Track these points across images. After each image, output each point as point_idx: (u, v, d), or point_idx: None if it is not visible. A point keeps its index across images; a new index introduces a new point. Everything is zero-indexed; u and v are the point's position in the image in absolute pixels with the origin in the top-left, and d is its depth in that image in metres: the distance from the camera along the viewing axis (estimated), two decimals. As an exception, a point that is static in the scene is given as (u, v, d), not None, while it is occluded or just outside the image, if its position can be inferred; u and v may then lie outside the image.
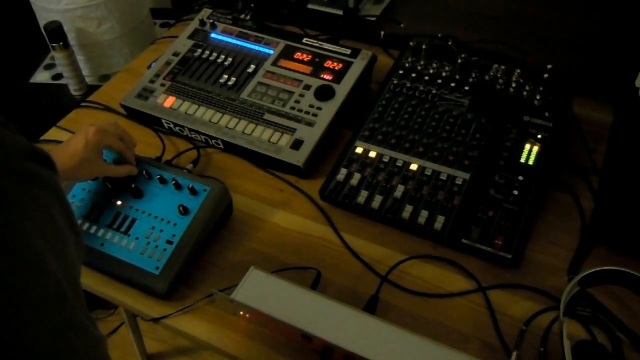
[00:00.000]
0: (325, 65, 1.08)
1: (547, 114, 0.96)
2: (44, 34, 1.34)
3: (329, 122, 1.00)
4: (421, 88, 1.03)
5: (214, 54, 1.13)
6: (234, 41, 1.16)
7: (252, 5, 1.25)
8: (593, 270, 0.76)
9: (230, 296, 0.76)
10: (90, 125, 0.85)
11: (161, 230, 0.85)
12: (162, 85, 1.10)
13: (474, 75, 1.04)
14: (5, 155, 0.39)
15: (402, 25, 1.22)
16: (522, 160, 0.91)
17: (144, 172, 0.90)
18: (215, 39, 1.17)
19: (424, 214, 0.87)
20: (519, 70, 1.03)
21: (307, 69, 1.08)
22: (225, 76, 1.09)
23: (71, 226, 0.44)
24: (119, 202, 0.88)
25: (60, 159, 0.81)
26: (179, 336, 0.82)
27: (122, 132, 0.90)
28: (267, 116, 1.02)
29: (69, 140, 0.84)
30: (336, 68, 1.07)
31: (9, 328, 0.36)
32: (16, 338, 0.36)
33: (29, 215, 0.38)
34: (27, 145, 0.41)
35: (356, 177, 0.92)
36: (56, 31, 1.32)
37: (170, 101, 1.07)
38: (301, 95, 1.04)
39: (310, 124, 1.00)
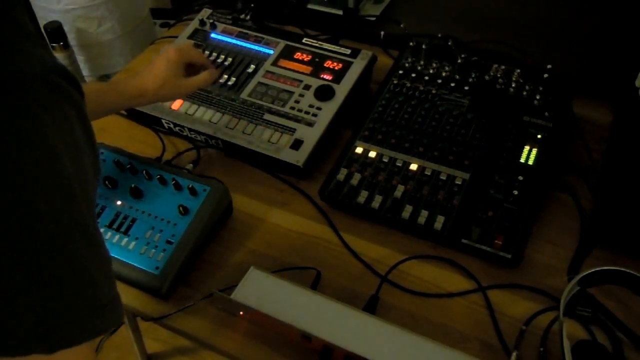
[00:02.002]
0: (325, 65, 1.08)
1: (547, 114, 0.96)
2: (44, 34, 1.34)
3: (329, 122, 1.00)
4: (421, 88, 1.03)
5: (214, 54, 1.13)
6: (234, 41, 1.16)
7: (252, 5, 1.25)
8: (593, 270, 0.76)
9: (230, 296, 0.76)
10: (170, 46, 0.92)
11: (161, 230, 0.85)
12: (162, 85, 1.10)
13: (474, 75, 1.04)
14: (43, 68, 0.43)
15: (402, 25, 1.22)
16: (522, 160, 0.91)
17: (144, 172, 0.90)
18: (215, 39, 1.17)
19: (424, 214, 0.87)
20: (519, 70, 1.03)
21: (307, 69, 1.08)
22: (225, 76, 1.09)
23: (90, 144, 0.48)
24: (119, 202, 0.88)
25: (145, 82, 0.89)
26: (179, 336, 0.82)
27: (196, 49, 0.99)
28: (267, 116, 1.02)
29: (152, 64, 0.90)
30: (336, 68, 1.07)
31: (26, 209, 0.39)
32: (20, 217, 0.39)
33: (54, 119, 0.42)
34: (59, 64, 0.45)
35: (356, 177, 0.92)
36: (56, 31, 1.32)
37: (170, 101, 1.07)
38: (301, 95, 1.04)
39: (310, 124, 1.00)
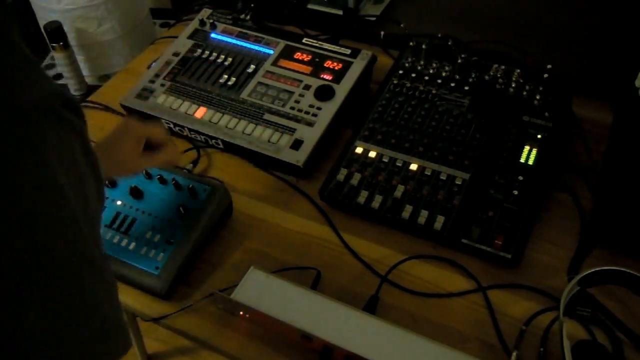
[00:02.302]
0: (325, 65, 1.08)
1: (547, 114, 0.96)
2: (44, 34, 1.34)
3: (329, 122, 1.00)
4: (421, 88, 1.03)
5: (214, 54, 1.13)
6: (234, 41, 1.16)
7: (252, 5, 1.25)
8: (593, 270, 0.76)
9: (230, 296, 0.76)
10: (132, 120, 0.84)
11: (161, 230, 0.85)
12: (162, 85, 1.10)
13: (474, 75, 1.04)
14: (43, 97, 0.41)
15: (402, 25, 1.22)
16: (522, 160, 0.91)
17: (143, 172, 0.90)
18: (215, 39, 1.17)
19: (424, 214, 0.87)
20: (518, 70, 1.03)
21: (307, 69, 1.08)
22: (225, 76, 1.09)
23: (94, 173, 0.47)
24: (119, 202, 0.88)
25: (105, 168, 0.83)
26: (179, 336, 0.82)
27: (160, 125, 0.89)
28: (267, 116, 1.02)
29: (112, 140, 0.81)
30: (336, 68, 1.07)
31: (28, 247, 0.38)
32: (25, 254, 0.38)
33: (55, 151, 0.41)
34: (61, 91, 0.44)
35: (356, 177, 0.92)
36: (56, 31, 1.32)
37: (170, 101, 1.07)
38: (301, 95, 1.04)
39: (310, 124, 1.00)
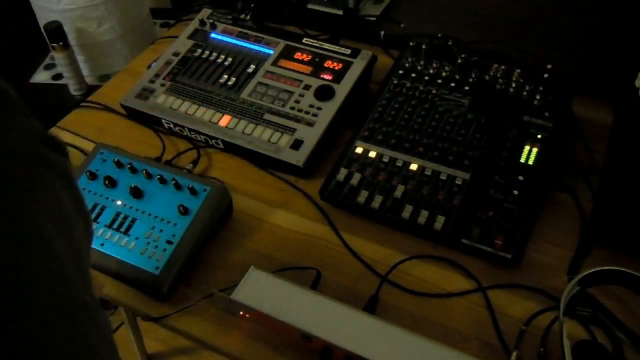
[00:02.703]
0: (325, 65, 1.08)
1: (547, 114, 0.96)
2: (44, 34, 1.34)
3: (329, 122, 1.00)
4: (421, 88, 1.03)
5: (214, 54, 1.13)
6: (234, 41, 1.16)
7: (252, 5, 1.25)
8: (593, 270, 0.76)
9: (230, 296, 0.76)
10: None
11: (161, 230, 0.85)
12: (162, 85, 1.10)
13: (474, 75, 1.04)
14: (19, 139, 0.39)
15: (402, 25, 1.22)
16: (522, 160, 0.91)
17: (143, 171, 0.90)
18: (215, 39, 1.17)
19: (424, 214, 0.87)
20: (519, 70, 1.03)
21: (307, 69, 1.08)
22: (225, 76, 1.09)
23: (80, 211, 0.45)
24: (119, 202, 0.88)
25: None
26: (179, 336, 0.82)
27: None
28: (267, 116, 1.02)
29: None
30: (336, 68, 1.07)
31: (7, 300, 0.36)
32: (13, 311, 0.36)
33: (37, 196, 0.39)
34: (40, 130, 0.42)
35: (356, 177, 0.92)
36: (56, 31, 1.32)
37: (170, 101, 1.07)
38: (301, 95, 1.04)
39: (310, 124, 1.00)
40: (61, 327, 0.40)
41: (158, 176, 0.89)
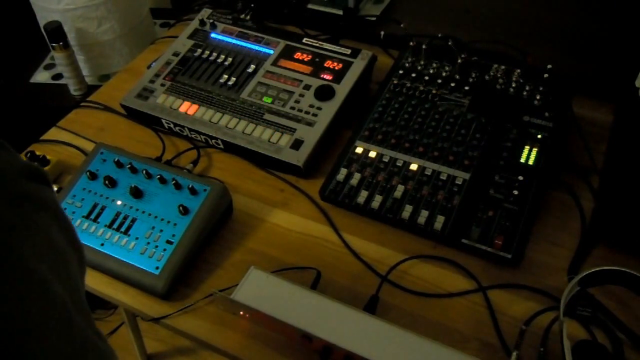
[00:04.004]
0: (325, 65, 1.08)
1: (547, 114, 0.96)
2: (44, 34, 1.34)
3: (329, 122, 1.00)
4: (421, 88, 1.03)
5: (214, 54, 1.13)
6: (234, 41, 1.16)
7: (252, 5, 1.25)
8: (593, 270, 0.76)
9: (230, 296, 0.76)
10: None
11: (161, 230, 0.85)
12: (162, 85, 1.10)
13: (474, 75, 1.04)
14: (1, 178, 0.37)
15: (402, 25, 1.22)
16: (522, 160, 0.91)
17: (143, 171, 0.90)
18: (215, 39, 1.17)
19: (424, 214, 0.87)
20: (519, 70, 1.03)
21: (307, 69, 1.08)
22: (225, 76, 1.09)
23: (72, 243, 0.43)
24: (119, 202, 0.88)
25: None
26: (179, 336, 0.82)
27: None
28: (267, 116, 1.02)
29: None
30: (336, 68, 1.07)
31: (15, 354, 0.34)
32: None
33: (28, 239, 0.37)
34: (22, 164, 0.40)
35: (356, 177, 0.92)
36: (56, 31, 1.32)
37: (170, 101, 1.07)
38: (301, 95, 1.04)
39: (310, 124, 1.00)
40: None
41: (158, 176, 0.89)
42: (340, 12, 1.29)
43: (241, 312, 0.77)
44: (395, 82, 1.05)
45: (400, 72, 1.07)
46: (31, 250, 0.37)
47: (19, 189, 0.38)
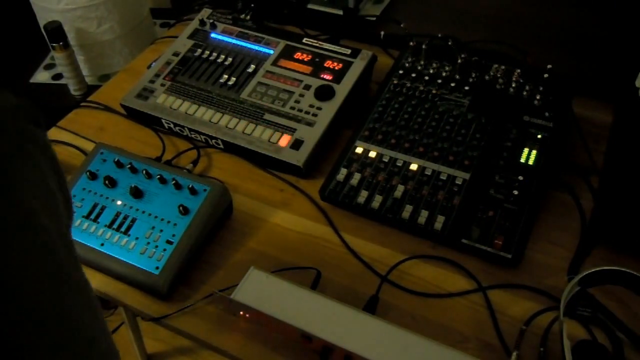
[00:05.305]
0: (325, 65, 1.08)
1: (547, 114, 0.96)
2: (44, 34, 1.34)
3: (329, 122, 1.00)
4: (421, 88, 1.03)
5: (214, 54, 1.13)
6: (234, 41, 1.16)
7: (252, 5, 1.25)
8: (593, 270, 0.76)
9: (230, 296, 0.76)
10: None
11: (161, 230, 0.85)
12: (162, 85, 1.10)
13: (474, 75, 1.04)
14: (6, 111, 0.39)
15: (402, 25, 1.22)
16: (522, 160, 0.91)
17: (143, 171, 0.90)
18: (215, 39, 1.17)
19: (424, 214, 0.87)
20: (519, 70, 1.03)
21: (307, 69, 1.08)
22: (225, 76, 1.09)
23: (61, 187, 0.44)
24: (119, 202, 0.88)
25: None
26: (179, 336, 0.82)
27: None
28: (267, 116, 1.02)
29: None
30: (336, 68, 1.07)
31: None
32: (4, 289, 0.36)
33: (23, 172, 0.38)
34: (18, 102, 0.41)
35: (356, 177, 0.92)
36: (56, 31, 1.32)
37: (170, 101, 1.07)
38: (301, 95, 1.04)
39: (310, 124, 1.00)
40: (51, 298, 0.39)
41: (158, 176, 0.89)
42: (340, 12, 1.29)
43: (241, 312, 0.77)
44: (395, 82, 1.05)
45: (400, 72, 1.07)
46: (25, 184, 0.38)
47: (17, 126, 0.40)
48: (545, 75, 1.00)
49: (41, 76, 1.55)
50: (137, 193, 0.88)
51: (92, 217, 0.88)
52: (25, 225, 0.38)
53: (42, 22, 1.40)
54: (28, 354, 0.37)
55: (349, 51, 1.10)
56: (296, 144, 0.98)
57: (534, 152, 0.92)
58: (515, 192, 0.87)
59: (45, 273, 0.39)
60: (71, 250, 0.43)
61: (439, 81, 1.04)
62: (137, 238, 0.85)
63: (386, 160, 0.94)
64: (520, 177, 0.88)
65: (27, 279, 0.37)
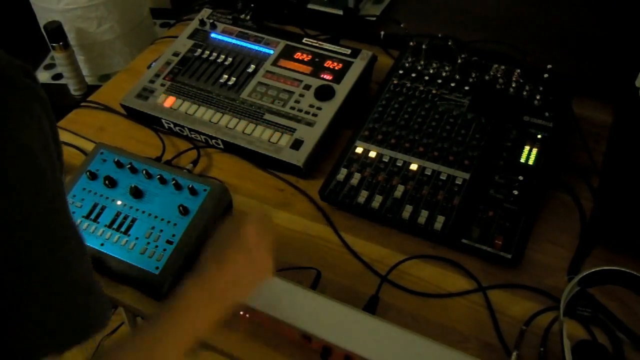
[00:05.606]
0: (325, 65, 1.08)
1: (547, 114, 0.96)
2: (44, 34, 1.34)
3: (329, 122, 1.00)
4: (421, 88, 1.03)
5: (214, 54, 1.13)
6: (234, 41, 1.16)
7: (252, 5, 1.25)
8: (593, 270, 0.76)
9: (230, 296, 0.76)
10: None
11: (161, 230, 0.85)
12: (162, 85, 1.10)
13: (474, 75, 1.04)
14: (4, 65, 0.42)
15: (402, 25, 1.22)
16: (522, 160, 0.91)
17: (143, 171, 0.90)
18: (215, 39, 1.17)
19: (424, 214, 0.87)
20: (519, 70, 1.03)
21: (307, 69, 1.08)
22: (225, 76, 1.09)
23: (55, 139, 0.47)
24: (119, 202, 0.88)
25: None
26: (179, 336, 0.82)
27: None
28: (267, 116, 1.02)
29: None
30: (336, 68, 1.07)
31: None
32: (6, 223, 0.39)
33: (24, 118, 0.42)
34: (22, 64, 0.45)
35: (356, 177, 0.92)
36: (56, 31, 1.32)
37: (170, 101, 1.07)
38: (301, 95, 1.04)
39: (310, 124, 1.00)
40: (53, 242, 0.43)
41: (158, 176, 0.89)
42: (340, 12, 1.29)
43: (241, 312, 0.77)
44: (395, 82, 1.05)
45: (400, 72, 1.07)
46: (28, 132, 0.42)
47: (18, 80, 0.43)
48: (545, 75, 1.00)
49: (41, 76, 1.55)
50: (137, 193, 0.88)
51: (92, 217, 0.88)
52: (24, 160, 0.41)
53: (42, 22, 1.40)
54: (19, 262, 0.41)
55: (349, 51, 1.10)
56: (296, 144, 0.98)
57: (534, 152, 0.92)
58: (515, 192, 0.87)
59: (39, 205, 0.42)
60: (64, 197, 0.47)
61: (439, 81, 1.04)
62: (137, 238, 0.85)
63: (386, 160, 0.94)
64: (520, 177, 0.88)
65: (21, 208, 0.41)
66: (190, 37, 1.18)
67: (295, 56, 1.11)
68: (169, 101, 1.07)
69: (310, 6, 1.32)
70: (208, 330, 0.62)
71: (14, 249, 0.40)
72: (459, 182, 0.90)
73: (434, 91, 1.02)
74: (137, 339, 0.57)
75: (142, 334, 0.58)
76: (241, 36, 1.16)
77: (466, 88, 1.02)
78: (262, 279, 0.69)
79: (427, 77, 1.05)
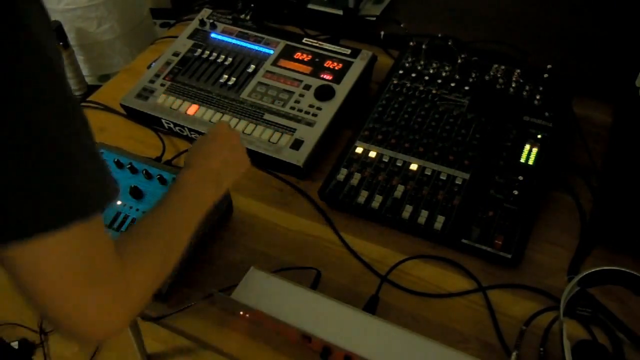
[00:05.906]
0: (325, 65, 1.08)
1: (547, 114, 0.96)
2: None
3: (329, 122, 1.00)
4: (421, 88, 1.03)
5: (214, 54, 1.13)
6: (234, 41, 1.16)
7: (252, 5, 1.25)
8: (593, 270, 0.76)
9: (230, 296, 0.76)
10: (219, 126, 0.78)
11: (161, 230, 0.84)
12: (162, 85, 1.10)
13: (474, 75, 1.04)
14: None
15: (402, 25, 1.22)
16: (522, 160, 0.91)
17: (143, 172, 0.90)
18: (215, 39, 1.17)
19: (424, 214, 0.87)
20: (519, 70, 1.03)
21: (307, 69, 1.08)
22: (225, 76, 1.09)
23: (52, 36, 0.49)
24: (118, 202, 0.88)
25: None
26: (179, 336, 0.82)
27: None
28: (267, 116, 1.02)
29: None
30: (336, 68, 1.07)
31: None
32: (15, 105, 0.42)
33: (31, 9, 0.44)
34: None
35: (356, 177, 0.92)
36: (56, 31, 1.32)
37: (170, 101, 1.07)
38: (301, 95, 1.04)
39: (310, 124, 1.00)
40: (63, 123, 0.45)
41: (158, 176, 0.89)
42: (340, 12, 1.29)
43: (241, 312, 0.77)
44: (395, 82, 1.05)
45: (400, 72, 1.07)
46: (36, 22, 0.44)
47: None
48: (545, 75, 1.00)
49: (41, 76, 1.55)
50: (137, 193, 0.88)
51: (92, 217, 0.87)
52: (34, 50, 0.43)
53: (42, 22, 1.40)
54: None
55: (349, 51, 1.10)
56: (296, 144, 0.98)
57: (534, 152, 0.92)
58: (515, 192, 0.87)
59: (55, 94, 0.45)
60: (66, 79, 0.48)
61: (439, 81, 1.04)
62: (137, 238, 0.84)
63: (386, 160, 0.94)
64: (520, 177, 0.88)
65: (40, 100, 0.43)
66: (190, 37, 1.18)
67: (295, 56, 1.11)
68: (169, 101, 1.07)
69: (310, 6, 1.32)
70: (209, 207, 0.70)
71: (36, 125, 0.42)
72: (459, 182, 0.90)
73: (434, 91, 1.02)
74: (149, 217, 0.61)
75: (153, 212, 0.62)
76: (241, 36, 1.16)
77: (466, 88, 1.02)
78: (244, 167, 0.78)
79: (427, 77, 1.05)
